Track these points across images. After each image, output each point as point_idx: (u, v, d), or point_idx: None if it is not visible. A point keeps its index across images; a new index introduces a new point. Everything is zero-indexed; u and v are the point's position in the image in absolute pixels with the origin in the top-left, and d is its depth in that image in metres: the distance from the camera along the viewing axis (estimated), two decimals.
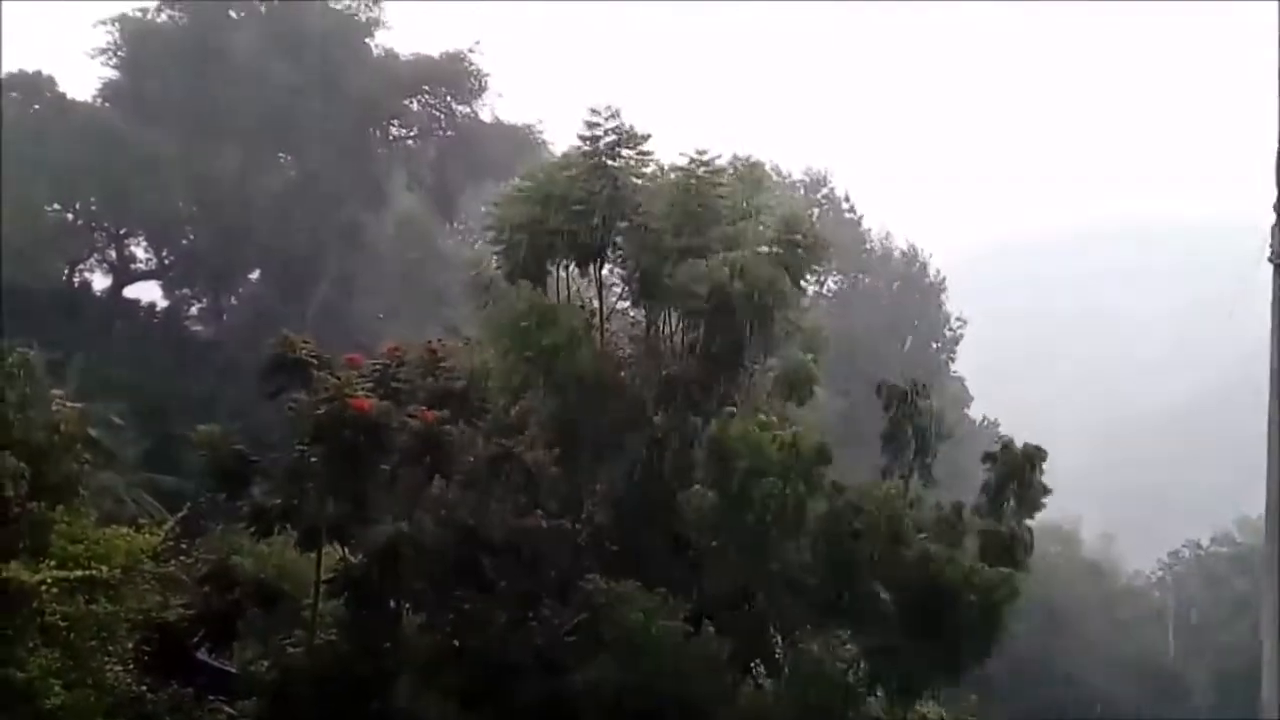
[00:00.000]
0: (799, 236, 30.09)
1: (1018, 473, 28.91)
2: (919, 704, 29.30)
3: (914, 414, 29.24)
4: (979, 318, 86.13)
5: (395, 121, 69.79)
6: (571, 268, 30.61)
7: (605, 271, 30.78)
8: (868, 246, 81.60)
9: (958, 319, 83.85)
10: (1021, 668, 65.37)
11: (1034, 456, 29.05)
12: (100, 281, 65.24)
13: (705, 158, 29.98)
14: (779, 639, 28.27)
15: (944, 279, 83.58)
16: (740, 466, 26.64)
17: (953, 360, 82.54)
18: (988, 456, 29.61)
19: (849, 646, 27.99)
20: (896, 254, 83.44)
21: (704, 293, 28.56)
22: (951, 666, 27.87)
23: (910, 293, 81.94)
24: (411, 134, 70.96)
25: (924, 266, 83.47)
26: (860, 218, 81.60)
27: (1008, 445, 29.53)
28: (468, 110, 69.22)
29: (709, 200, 29.68)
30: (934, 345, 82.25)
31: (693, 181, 29.65)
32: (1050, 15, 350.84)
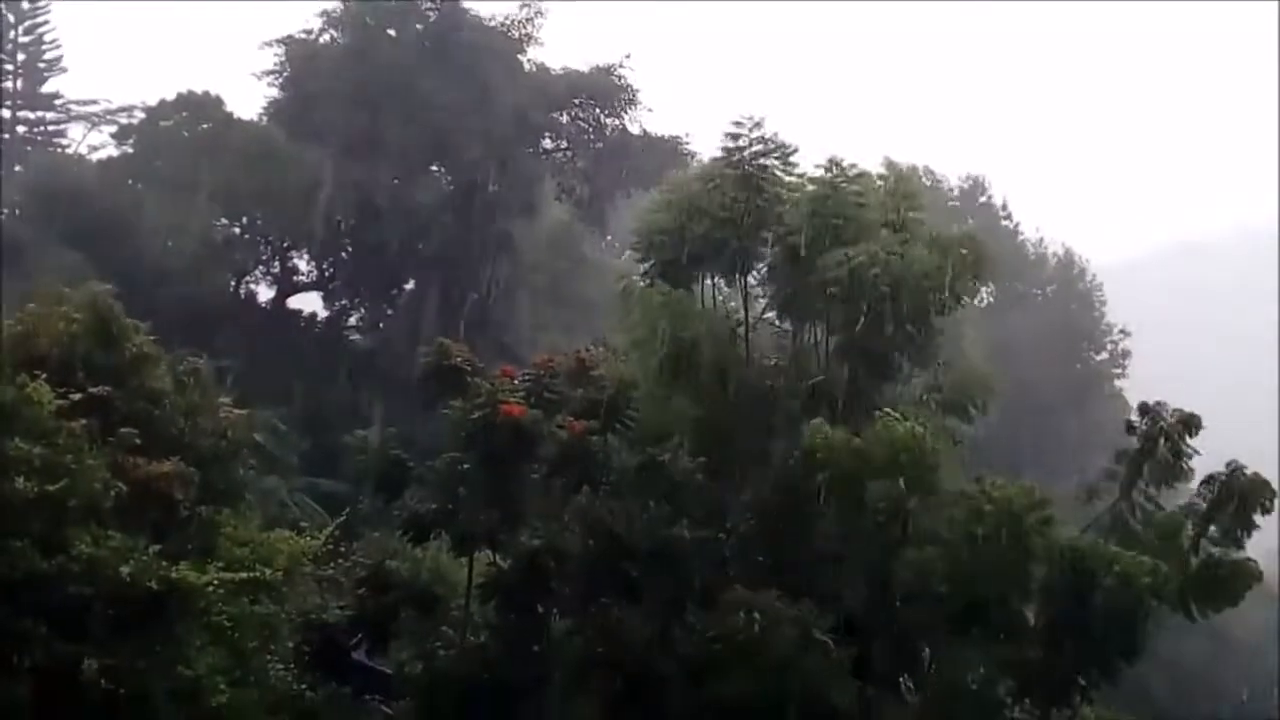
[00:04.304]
0: (958, 249, 29.10)
1: (1239, 501, 26.23)
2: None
3: (1175, 447, 27.12)
4: (1137, 327, 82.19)
5: (546, 134, 70.74)
6: (718, 280, 30.58)
7: (751, 281, 30.61)
8: (1024, 253, 79.23)
9: (1120, 330, 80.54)
10: (1192, 694, 62.78)
11: (1263, 490, 26.38)
12: (264, 293, 67.64)
13: (844, 166, 29.36)
14: (926, 652, 27.40)
15: (1101, 284, 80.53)
16: (831, 474, 25.87)
17: (1123, 375, 78.50)
18: (1209, 480, 27.00)
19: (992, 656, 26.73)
20: (1052, 259, 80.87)
21: (850, 293, 27.86)
22: (1099, 669, 26.18)
23: (1067, 300, 79.31)
24: (562, 146, 71.83)
25: (1081, 272, 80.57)
26: (1017, 225, 79.55)
27: (1237, 469, 26.84)
28: (617, 123, 69.80)
29: (851, 211, 29.02)
30: (1098, 357, 79.19)
31: (831, 193, 29.09)
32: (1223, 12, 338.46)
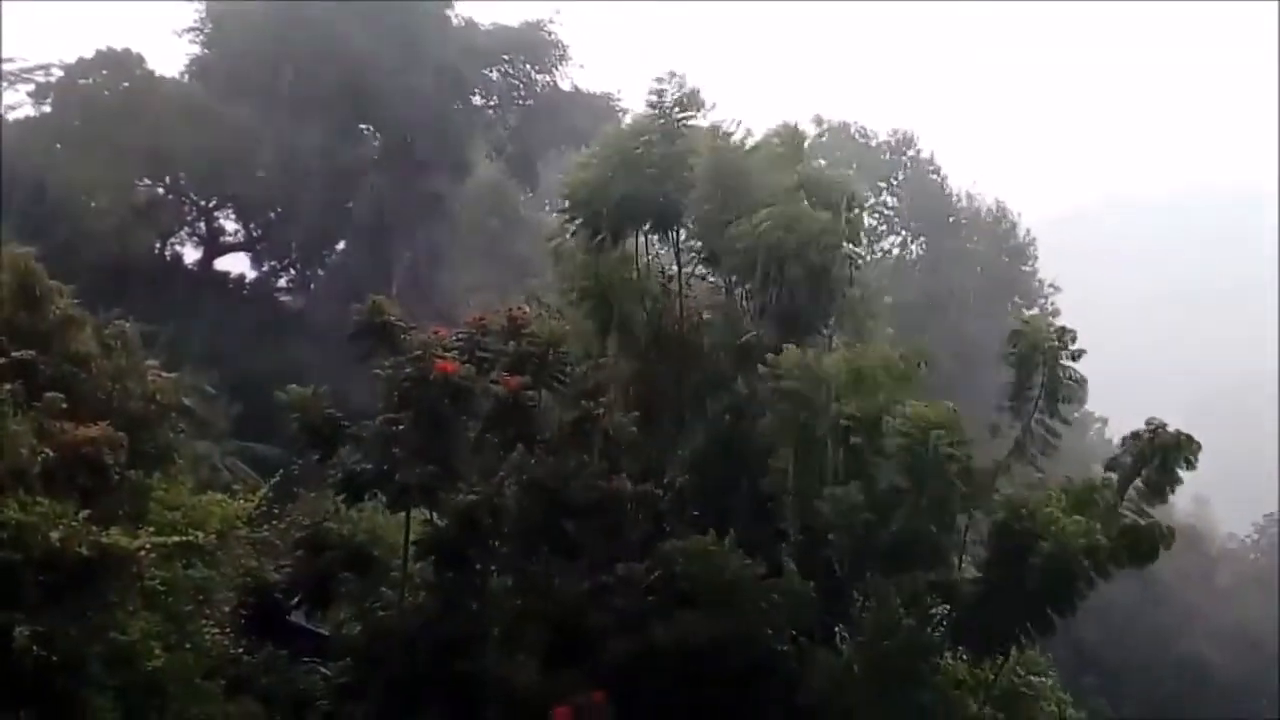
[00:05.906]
0: (844, 200, 29.56)
1: (1162, 456, 26.24)
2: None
3: (1052, 364, 27.20)
4: (1061, 282, 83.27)
5: (476, 91, 70.10)
6: (650, 236, 30.66)
7: (683, 236, 30.73)
8: (955, 206, 79.72)
9: (1050, 285, 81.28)
10: (1117, 633, 64.35)
11: (1186, 445, 26.40)
12: (191, 254, 66.62)
13: (731, 126, 29.87)
14: (857, 596, 27.56)
15: (1034, 239, 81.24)
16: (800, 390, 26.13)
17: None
18: (1133, 436, 26.84)
19: (932, 604, 27.03)
20: (984, 213, 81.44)
21: (754, 255, 28.23)
22: (1035, 623, 26.77)
23: (998, 253, 79.98)
24: (492, 103, 71.26)
25: (1013, 226, 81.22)
26: (945, 179, 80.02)
27: (1158, 428, 26.59)
28: (547, 79, 69.39)
29: (744, 169, 29.35)
30: (1029, 311, 79.83)
31: (722, 151, 29.42)
32: None
